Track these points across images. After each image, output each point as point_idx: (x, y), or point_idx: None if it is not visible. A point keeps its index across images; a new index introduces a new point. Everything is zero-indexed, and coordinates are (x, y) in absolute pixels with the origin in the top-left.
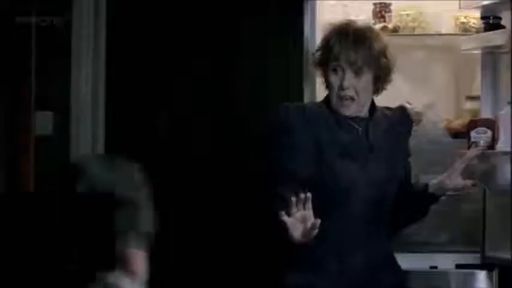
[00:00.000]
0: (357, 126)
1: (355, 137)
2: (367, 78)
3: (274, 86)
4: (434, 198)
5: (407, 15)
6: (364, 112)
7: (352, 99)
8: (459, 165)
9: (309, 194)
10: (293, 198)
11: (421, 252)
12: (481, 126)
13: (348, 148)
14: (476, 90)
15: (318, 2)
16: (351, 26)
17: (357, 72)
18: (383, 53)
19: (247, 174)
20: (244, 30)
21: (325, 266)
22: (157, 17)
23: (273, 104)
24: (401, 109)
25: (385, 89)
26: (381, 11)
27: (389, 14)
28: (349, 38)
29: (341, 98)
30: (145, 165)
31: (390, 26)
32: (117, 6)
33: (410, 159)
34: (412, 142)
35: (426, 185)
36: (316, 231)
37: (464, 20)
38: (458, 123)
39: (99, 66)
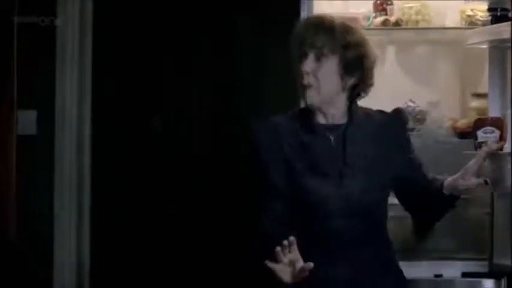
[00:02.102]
0: (328, 135)
1: (326, 148)
2: (329, 64)
3: (271, 84)
4: (450, 199)
5: (411, 7)
6: (338, 117)
7: (312, 86)
8: (472, 165)
9: (292, 238)
10: (277, 248)
11: (425, 259)
12: (489, 125)
13: (317, 162)
14: (483, 88)
15: (314, 1)
16: (322, 16)
17: (318, 57)
18: (354, 44)
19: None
20: (239, 29)
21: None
22: (144, 15)
23: (269, 103)
24: (395, 111)
25: (363, 91)
26: (382, 4)
27: (391, 6)
28: (315, 25)
29: (303, 87)
30: (131, 165)
31: (392, 19)
32: (104, 5)
33: (414, 156)
34: (416, 143)
35: (441, 185)
36: (306, 273)
37: (471, 13)
38: (464, 122)
39: (85, 66)
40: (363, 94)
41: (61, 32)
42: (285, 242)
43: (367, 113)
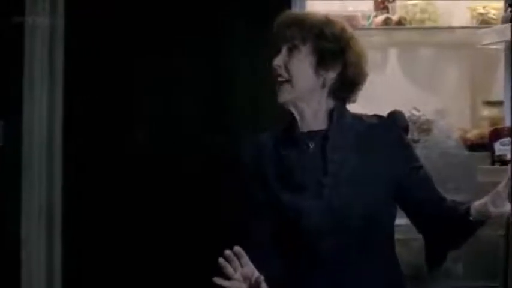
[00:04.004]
0: (308, 142)
1: (304, 156)
2: (301, 56)
3: (263, 86)
4: (476, 225)
5: (415, 5)
6: (320, 121)
7: (286, 81)
8: (504, 188)
9: (237, 248)
10: (220, 260)
11: (433, 286)
12: (507, 136)
13: (294, 172)
14: (496, 94)
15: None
16: (298, 11)
17: (291, 49)
18: (332, 36)
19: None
20: (226, 32)
21: None
22: (122, 19)
23: (262, 104)
24: (390, 114)
25: (347, 91)
26: (384, 1)
27: (393, 4)
28: (288, 18)
29: (276, 81)
30: (104, 178)
31: (395, 18)
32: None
33: (419, 166)
34: (420, 156)
35: (468, 209)
36: (264, 284)
37: (482, 11)
38: (475, 133)
39: (56, 72)
40: (350, 97)
41: (29, 37)
42: (227, 252)
43: (358, 117)
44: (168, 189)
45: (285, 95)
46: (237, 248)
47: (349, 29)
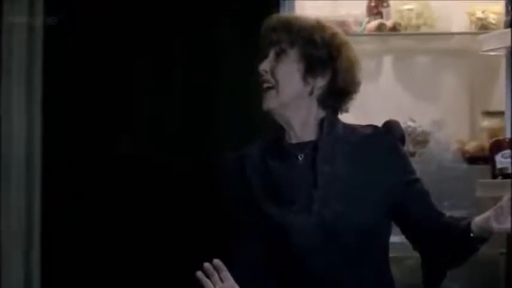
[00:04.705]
0: (297, 154)
1: (293, 168)
2: (288, 60)
3: (252, 89)
4: (477, 242)
5: (410, 10)
6: (310, 131)
7: (271, 87)
8: (507, 203)
9: (217, 261)
10: (198, 273)
11: None
12: (508, 148)
13: (282, 186)
14: (497, 104)
15: (296, 1)
16: (286, 14)
17: (278, 54)
18: (321, 42)
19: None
20: (212, 34)
21: None
22: (109, 19)
23: (251, 109)
24: (384, 124)
25: (338, 100)
26: (377, 6)
27: (387, 9)
28: (275, 22)
29: (262, 87)
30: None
31: (389, 23)
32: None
33: (415, 179)
34: (416, 169)
35: (468, 225)
36: None
37: (482, 15)
38: (473, 145)
39: (34, 77)
40: (342, 106)
41: (7, 37)
42: (206, 265)
43: (351, 127)
44: (150, 202)
45: (270, 102)
46: (216, 261)
47: (342, 35)
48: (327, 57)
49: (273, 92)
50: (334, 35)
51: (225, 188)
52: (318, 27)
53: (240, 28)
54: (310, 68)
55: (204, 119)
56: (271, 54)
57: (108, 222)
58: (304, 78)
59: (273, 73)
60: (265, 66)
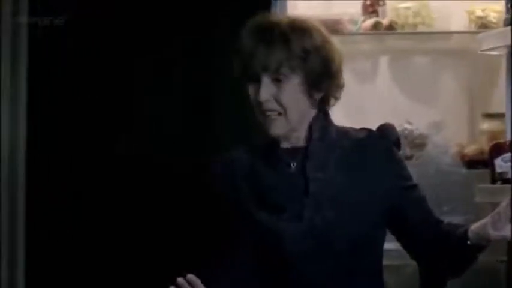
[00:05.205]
0: (289, 160)
1: (285, 175)
2: (292, 85)
3: (242, 89)
4: (476, 250)
5: (408, 8)
6: (302, 139)
7: (278, 113)
8: (505, 209)
9: (191, 276)
10: None
11: None
12: (508, 151)
13: (274, 193)
14: (497, 106)
15: (288, 1)
16: (268, 20)
17: (277, 79)
18: (314, 50)
19: None
20: (203, 33)
21: None
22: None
23: (241, 110)
24: (379, 127)
25: (334, 98)
26: (373, 4)
27: (383, 7)
28: (263, 35)
29: (264, 115)
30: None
31: (385, 22)
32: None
33: (412, 185)
34: (414, 173)
35: (465, 232)
36: None
37: (482, 14)
38: (473, 148)
39: (19, 82)
40: (331, 101)
41: None
42: (180, 281)
43: (344, 131)
44: (137, 207)
45: (280, 129)
46: (190, 276)
47: (328, 35)
48: (325, 67)
49: (281, 119)
50: (321, 36)
51: (213, 192)
52: (307, 31)
53: (230, 28)
54: (314, 84)
55: (199, 119)
56: (268, 81)
57: (92, 224)
58: (310, 95)
59: (277, 100)
60: (266, 95)
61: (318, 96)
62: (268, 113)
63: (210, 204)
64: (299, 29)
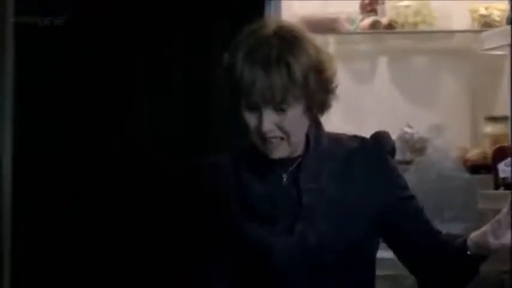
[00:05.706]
0: (280, 172)
1: (277, 187)
2: (296, 112)
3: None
4: (477, 261)
5: (407, 7)
6: (297, 150)
7: (280, 138)
8: (506, 216)
9: None
10: None
11: None
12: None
13: (265, 205)
14: (500, 108)
15: (282, 1)
16: (260, 34)
17: (280, 108)
18: (310, 68)
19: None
20: (195, 34)
21: None
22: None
23: (232, 112)
24: (373, 135)
25: (328, 108)
26: (371, 3)
27: (382, 6)
28: (259, 58)
29: (265, 140)
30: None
31: (384, 20)
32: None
33: (407, 195)
34: (414, 179)
35: (464, 242)
36: None
37: (485, 12)
38: (476, 153)
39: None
40: (325, 111)
41: None
42: None
43: (336, 139)
44: (126, 208)
45: (282, 153)
46: None
47: (313, 38)
48: (326, 87)
49: (283, 144)
50: (317, 50)
51: (198, 196)
52: (302, 46)
53: (224, 28)
54: (313, 104)
55: (199, 119)
56: (271, 111)
57: (84, 225)
58: (310, 114)
59: (280, 128)
60: (268, 126)
61: (315, 110)
62: (271, 139)
63: (197, 204)
64: (293, 43)
